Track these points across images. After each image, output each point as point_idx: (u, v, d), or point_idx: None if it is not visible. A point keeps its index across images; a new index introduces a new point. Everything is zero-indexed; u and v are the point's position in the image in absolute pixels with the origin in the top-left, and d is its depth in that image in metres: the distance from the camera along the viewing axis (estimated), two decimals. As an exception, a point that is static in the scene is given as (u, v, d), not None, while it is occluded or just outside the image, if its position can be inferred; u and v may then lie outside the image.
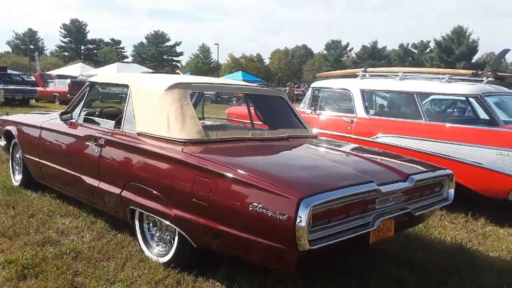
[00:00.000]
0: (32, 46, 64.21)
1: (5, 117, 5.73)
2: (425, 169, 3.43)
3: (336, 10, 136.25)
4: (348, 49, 79.33)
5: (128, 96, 3.87)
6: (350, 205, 2.71)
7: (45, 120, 4.73)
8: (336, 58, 74.86)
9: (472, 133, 5.11)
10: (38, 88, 23.58)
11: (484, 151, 4.89)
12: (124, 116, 3.85)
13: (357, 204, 2.77)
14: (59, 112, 4.56)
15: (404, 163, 3.54)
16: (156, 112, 3.59)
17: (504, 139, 4.83)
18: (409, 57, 66.36)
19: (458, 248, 4.03)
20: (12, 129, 5.22)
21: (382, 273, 3.32)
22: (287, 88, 28.45)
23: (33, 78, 30.66)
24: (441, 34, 59.39)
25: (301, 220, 2.37)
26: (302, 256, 2.52)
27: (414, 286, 3.13)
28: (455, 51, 55.46)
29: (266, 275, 3.13)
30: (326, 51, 79.19)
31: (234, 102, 27.44)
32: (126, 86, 3.97)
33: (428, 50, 64.92)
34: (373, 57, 67.63)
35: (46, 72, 34.28)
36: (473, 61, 54.55)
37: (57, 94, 23.74)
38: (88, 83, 4.55)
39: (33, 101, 22.52)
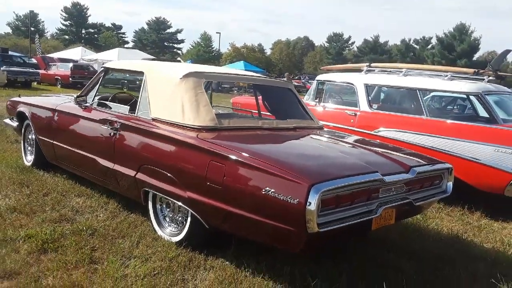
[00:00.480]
0: (32, 28, 63.84)
1: (17, 99, 5.86)
2: (426, 162, 3.61)
3: (339, 3, 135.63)
4: (349, 42, 79.18)
5: (143, 82, 4.01)
6: (356, 193, 2.88)
7: (59, 103, 4.88)
8: (338, 51, 74.73)
9: (471, 130, 5.29)
10: (40, 71, 23.57)
11: (482, 148, 5.07)
12: (139, 101, 4.00)
13: (362, 192, 2.94)
14: (74, 96, 4.71)
15: (407, 155, 3.71)
16: (171, 99, 3.74)
17: (502, 136, 5.01)
18: (411, 53, 66.31)
19: (454, 239, 4.23)
20: (26, 110, 5.36)
21: (382, 260, 3.51)
22: (285, 78, 28.47)
23: (34, 61, 30.64)
24: (443, 31, 59.41)
25: (311, 204, 2.54)
26: (310, 238, 2.69)
27: (411, 274, 3.31)
28: (456, 48, 55.49)
29: (274, 257, 3.32)
30: (327, 44, 79.01)
31: (235, 91, 27.52)
32: (141, 73, 4.12)
33: (429, 46, 64.89)
34: (375, 51, 67.53)
35: (47, 55, 34.20)
36: (474, 59, 54.62)
37: (59, 78, 23.80)
38: (103, 68, 4.69)
39: (35, 84, 22.57)
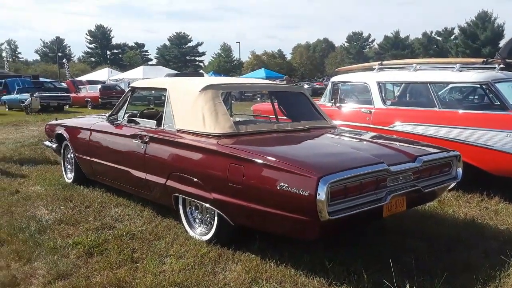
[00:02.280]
0: (60, 54, 66.34)
1: (55, 122, 6.40)
2: (433, 151, 3.86)
3: (356, 2, 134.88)
4: (370, 40, 78.70)
5: (166, 98, 4.41)
6: (363, 183, 3.17)
7: (93, 123, 5.36)
8: (358, 50, 74.50)
9: (483, 118, 5.45)
10: (71, 94, 24.64)
11: (495, 134, 5.22)
12: (164, 115, 4.40)
13: (370, 181, 3.23)
14: (106, 115, 5.16)
15: (413, 146, 3.97)
16: (192, 110, 4.12)
17: (514, 122, 5.15)
18: (433, 45, 65.35)
19: (469, 223, 4.43)
20: (63, 132, 5.87)
21: (396, 243, 3.78)
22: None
23: (64, 85, 31.98)
24: (465, 20, 58.37)
25: (320, 195, 2.85)
26: (324, 225, 3.00)
27: (424, 253, 3.56)
28: (480, 37, 54.42)
29: (294, 248, 3.63)
30: (347, 44, 78.77)
31: (258, 99, 27.90)
32: (164, 89, 4.52)
33: (452, 37, 63.81)
34: (396, 47, 66.98)
35: (76, 79, 35.60)
36: (500, 45, 53.34)
37: (89, 99, 24.81)
38: (130, 88, 5.13)
39: (67, 107, 23.60)
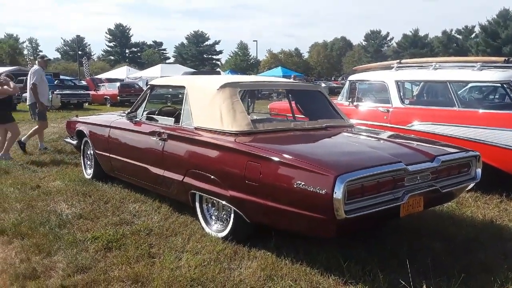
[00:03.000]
0: (80, 52, 67.36)
1: (75, 119, 6.52)
2: (451, 151, 3.82)
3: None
4: (388, 38, 77.90)
5: (185, 95, 4.46)
6: (381, 182, 3.16)
7: (113, 120, 5.44)
8: (376, 48, 73.80)
9: (504, 118, 5.36)
10: (90, 92, 24.99)
11: (516, 135, 5.13)
12: (182, 113, 4.45)
13: (387, 181, 3.21)
14: (126, 112, 5.23)
15: (432, 145, 3.93)
16: (210, 108, 4.15)
17: (536, 122, 5.06)
18: (453, 44, 64.36)
19: (487, 224, 4.37)
20: (84, 129, 5.97)
21: (413, 243, 3.75)
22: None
23: (83, 83, 32.42)
24: (486, 18, 57.32)
25: (337, 194, 2.85)
26: (340, 224, 3.00)
27: (441, 253, 3.53)
28: (501, 35, 53.37)
29: (310, 245, 3.63)
30: (365, 42, 78.10)
31: (275, 98, 27.86)
32: (183, 87, 4.57)
33: (473, 35, 62.74)
34: (415, 45, 66.15)
35: (95, 77, 36.09)
36: (521, 44, 52.31)
37: (108, 97, 25.14)
38: (149, 86, 5.19)
39: (86, 105, 23.94)
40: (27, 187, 5.66)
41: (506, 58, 5.98)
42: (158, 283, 3.10)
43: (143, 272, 3.28)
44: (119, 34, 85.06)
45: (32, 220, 4.39)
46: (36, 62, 9.37)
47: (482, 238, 3.91)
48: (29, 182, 5.94)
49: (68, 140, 6.75)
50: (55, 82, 24.42)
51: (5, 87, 7.42)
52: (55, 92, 20.76)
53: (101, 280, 3.17)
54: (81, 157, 6.32)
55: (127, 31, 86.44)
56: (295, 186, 3.08)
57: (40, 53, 8.95)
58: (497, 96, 7.66)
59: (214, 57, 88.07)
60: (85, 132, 5.93)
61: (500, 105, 6.41)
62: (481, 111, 5.65)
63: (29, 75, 8.63)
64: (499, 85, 5.80)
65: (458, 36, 66.65)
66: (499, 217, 4.62)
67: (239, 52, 76.77)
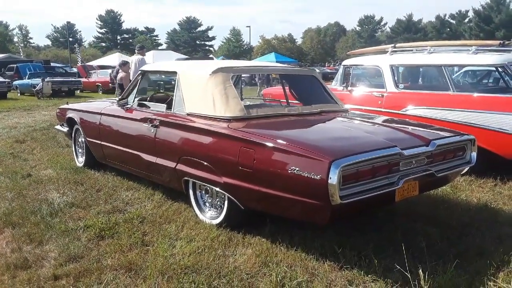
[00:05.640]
0: (71, 39, 66.48)
1: (66, 106, 6.41)
2: (447, 135, 3.79)
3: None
4: (382, 23, 77.57)
5: (176, 81, 4.37)
6: (376, 167, 3.12)
7: (104, 107, 5.35)
8: (370, 34, 73.52)
9: (499, 102, 5.34)
10: (81, 79, 24.71)
11: (510, 118, 5.11)
12: (174, 99, 4.37)
13: (383, 165, 3.17)
14: (117, 99, 5.14)
15: (427, 130, 3.89)
16: (202, 94, 4.07)
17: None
18: (447, 29, 64.25)
19: (482, 208, 4.36)
20: (74, 116, 5.88)
21: (408, 229, 3.73)
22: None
23: (75, 70, 32.08)
24: (480, 3, 57.18)
25: (332, 179, 2.81)
26: (335, 209, 2.96)
27: (436, 238, 3.52)
28: (494, 20, 53.31)
29: (305, 232, 3.60)
30: (359, 27, 77.73)
31: (264, 86, 27.67)
32: (175, 73, 4.48)
33: (466, 20, 62.63)
34: (409, 30, 65.95)
35: (87, 64, 35.69)
36: (514, 28, 52.29)
37: (100, 84, 24.85)
38: (140, 71, 5.09)
39: (78, 92, 23.70)
40: (18, 176, 5.58)
41: (502, 41, 5.94)
42: (152, 271, 3.06)
43: (136, 260, 3.24)
44: (110, 21, 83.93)
45: (23, 209, 4.33)
46: (136, 52, 10.31)
47: (477, 222, 3.90)
48: (20, 170, 5.86)
49: (59, 127, 6.65)
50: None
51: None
52: (45, 80, 20.54)
53: (94, 269, 3.13)
54: (73, 145, 6.23)
55: (118, 17, 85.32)
56: (289, 171, 3.04)
57: (138, 44, 10.42)
58: (491, 80, 7.64)
59: (207, 43, 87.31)
60: (75, 119, 5.83)
61: (494, 88, 6.39)
62: (475, 95, 5.62)
63: (133, 64, 9.59)
64: (494, 68, 5.75)
65: (451, 21, 66.47)
66: (494, 200, 4.62)
67: (232, 38, 76.13)
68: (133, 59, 10.02)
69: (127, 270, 3.12)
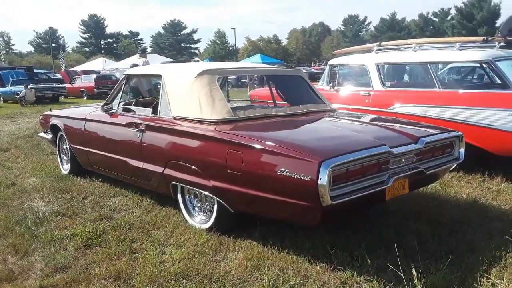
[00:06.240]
0: (54, 44, 65.76)
1: (49, 113, 6.29)
2: (435, 132, 3.78)
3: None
4: (366, 23, 78.17)
5: (162, 85, 4.31)
6: (365, 166, 3.09)
7: (88, 112, 5.25)
8: (355, 33, 74.03)
9: (484, 97, 5.37)
10: (65, 85, 24.41)
11: (496, 114, 5.14)
12: (160, 103, 4.30)
13: (372, 164, 3.15)
14: (101, 104, 5.05)
15: (415, 127, 3.88)
16: (188, 97, 4.01)
17: (515, 101, 5.06)
18: (430, 26, 65.00)
19: (471, 203, 4.37)
20: (58, 122, 5.76)
21: (399, 227, 3.72)
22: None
23: (58, 76, 31.71)
24: (462, 0, 57.96)
25: (322, 180, 2.77)
26: (326, 210, 2.93)
27: (428, 236, 3.51)
28: (476, 17, 54.11)
29: (296, 234, 3.57)
30: (344, 27, 78.23)
31: (255, 85, 27.66)
32: (159, 76, 4.41)
33: (449, 17, 63.45)
34: (392, 29, 66.61)
35: (70, 69, 35.31)
36: (496, 25, 53.07)
37: (84, 90, 24.61)
38: (124, 75, 5.01)
39: (62, 98, 23.40)
40: (1, 185, 5.46)
41: (485, 38, 5.98)
42: (141, 279, 2.99)
43: (125, 268, 3.16)
44: (93, 25, 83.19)
45: (7, 219, 4.22)
46: (138, 55, 10.69)
47: (467, 218, 3.91)
48: (3, 180, 5.73)
49: (43, 135, 6.52)
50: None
51: None
52: (29, 86, 20.25)
53: (82, 279, 3.05)
54: (57, 152, 6.12)
55: (102, 21, 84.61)
56: (278, 173, 3.00)
57: (140, 47, 11.22)
58: (476, 76, 7.70)
59: (192, 46, 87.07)
60: (59, 126, 5.72)
61: (480, 84, 6.43)
62: (461, 91, 5.64)
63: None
64: (478, 64, 5.79)
65: (434, 18, 67.24)
66: (483, 196, 4.63)
67: (217, 41, 76.04)
68: (139, 63, 10.08)
69: (116, 279, 3.04)
